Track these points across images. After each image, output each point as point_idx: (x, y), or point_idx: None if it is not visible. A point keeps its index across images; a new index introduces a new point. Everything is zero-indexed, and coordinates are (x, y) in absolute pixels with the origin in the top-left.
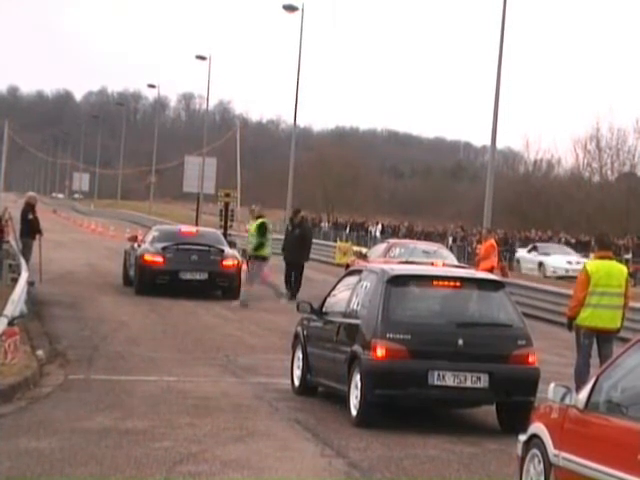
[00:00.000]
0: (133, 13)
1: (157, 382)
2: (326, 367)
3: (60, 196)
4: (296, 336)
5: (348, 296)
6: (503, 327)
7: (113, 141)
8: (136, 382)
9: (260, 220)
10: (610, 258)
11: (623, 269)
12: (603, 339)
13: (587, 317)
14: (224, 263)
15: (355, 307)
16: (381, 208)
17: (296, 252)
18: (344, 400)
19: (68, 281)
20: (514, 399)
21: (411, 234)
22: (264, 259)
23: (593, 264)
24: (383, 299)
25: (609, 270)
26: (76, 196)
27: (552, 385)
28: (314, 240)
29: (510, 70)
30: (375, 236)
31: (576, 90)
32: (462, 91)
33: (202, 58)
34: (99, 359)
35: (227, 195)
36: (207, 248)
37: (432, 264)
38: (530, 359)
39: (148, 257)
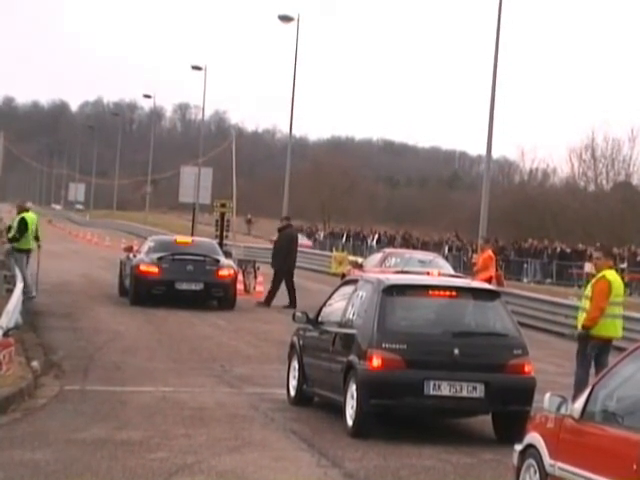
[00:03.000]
0: (129, 23)
1: (153, 393)
2: (322, 377)
3: (57, 207)
4: (292, 346)
5: (344, 306)
6: (499, 336)
7: (109, 151)
8: (132, 393)
9: (20, 215)
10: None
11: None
12: (605, 349)
13: (607, 327)
14: (220, 273)
15: (351, 317)
16: (377, 217)
17: (272, 258)
18: (340, 410)
19: (63, 291)
20: (510, 409)
21: (407, 243)
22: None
23: (611, 274)
24: (379, 309)
25: (620, 280)
26: (77, 207)
27: (548, 395)
28: (309, 250)
29: (505, 80)
30: (371, 245)
31: (571, 100)
32: (457, 101)
33: (198, 68)
34: (94, 370)
35: (223, 205)
36: (203, 258)
37: (428, 274)
38: (526, 368)
39: (144, 267)
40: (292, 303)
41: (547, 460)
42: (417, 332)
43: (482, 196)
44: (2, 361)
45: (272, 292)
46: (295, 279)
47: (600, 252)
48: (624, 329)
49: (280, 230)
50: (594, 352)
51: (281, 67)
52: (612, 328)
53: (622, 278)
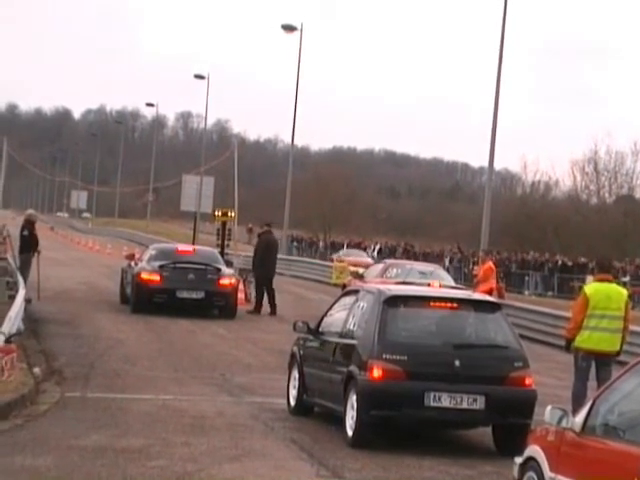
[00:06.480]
0: (131, 31)
1: (153, 400)
2: (322, 387)
3: (62, 215)
4: (292, 356)
5: (345, 316)
6: (500, 349)
7: (111, 159)
8: (132, 400)
9: None
10: (610, 281)
11: (623, 292)
12: (602, 362)
13: (586, 339)
14: (221, 282)
15: (352, 327)
16: (378, 228)
17: (252, 265)
18: (340, 420)
19: (65, 299)
20: (510, 421)
21: (408, 254)
22: None
23: (592, 286)
24: (379, 320)
25: (608, 293)
26: (84, 215)
27: (549, 407)
28: (309, 259)
29: (508, 91)
30: (372, 256)
31: (574, 112)
32: (460, 112)
33: (201, 77)
34: (95, 377)
35: (224, 214)
36: (204, 267)
37: (429, 285)
38: (527, 381)
39: (145, 275)
40: (272, 309)
41: (547, 473)
42: (418, 343)
43: (484, 208)
44: (4, 367)
45: (257, 299)
46: (296, 289)
47: (595, 265)
48: (625, 343)
49: (259, 236)
50: (585, 364)
51: (283, 76)
52: (595, 341)
53: (628, 291)
